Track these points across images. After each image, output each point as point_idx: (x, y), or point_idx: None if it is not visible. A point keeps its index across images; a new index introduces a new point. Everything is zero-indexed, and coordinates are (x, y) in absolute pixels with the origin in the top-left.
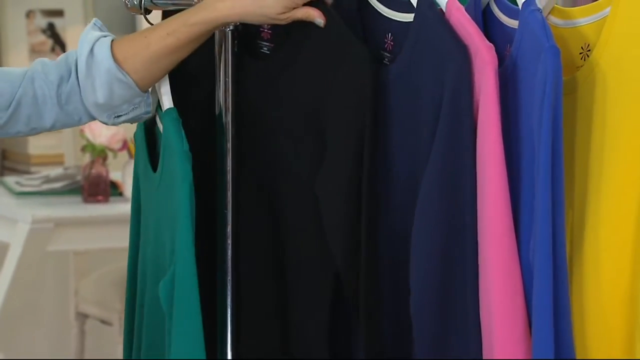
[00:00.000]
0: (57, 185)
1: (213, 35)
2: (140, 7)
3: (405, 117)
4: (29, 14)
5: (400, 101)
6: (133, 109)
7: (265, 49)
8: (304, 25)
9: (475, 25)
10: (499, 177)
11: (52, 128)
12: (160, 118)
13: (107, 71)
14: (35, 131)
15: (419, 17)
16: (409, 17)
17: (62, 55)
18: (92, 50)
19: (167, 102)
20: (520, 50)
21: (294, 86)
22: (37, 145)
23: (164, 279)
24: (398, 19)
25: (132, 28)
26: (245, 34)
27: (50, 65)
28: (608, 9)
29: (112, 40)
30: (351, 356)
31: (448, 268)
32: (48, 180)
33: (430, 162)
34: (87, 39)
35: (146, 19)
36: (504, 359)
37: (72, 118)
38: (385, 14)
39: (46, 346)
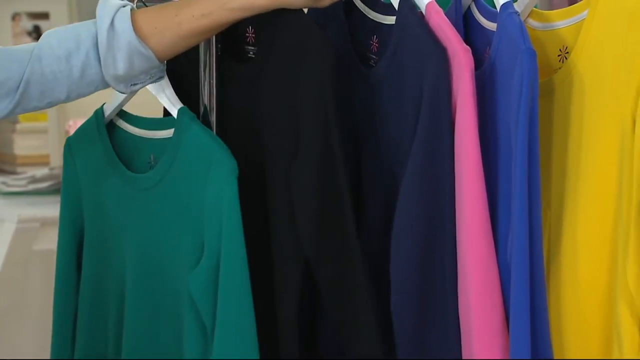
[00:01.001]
0: (43, 185)
1: None
2: None
3: (388, 117)
4: (15, 17)
5: (384, 101)
6: (149, 77)
7: (250, 52)
8: (281, 27)
9: (454, 29)
10: (475, 178)
11: (68, 99)
12: (123, 119)
13: (128, 44)
14: (51, 105)
15: (400, 19)
16: (393, 20)
17: (72, 26)
18: (112, 22)
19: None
20: (498, 52)
21: (272, 86)
22: (23, 146)
23: (194, 273)
24: (383, 22)
25: None
26: (232, 38)
27: (57, 38)
28: (585, 12)
29: (132, 10)
30: (318, 346)
31: (428, 267)
32: (34, 180)
33: (410, 161)
34: (106, 9)
35: None
36: (482, 358)
37: (88, 88)
38: (371, 17)
39: (32, 345)
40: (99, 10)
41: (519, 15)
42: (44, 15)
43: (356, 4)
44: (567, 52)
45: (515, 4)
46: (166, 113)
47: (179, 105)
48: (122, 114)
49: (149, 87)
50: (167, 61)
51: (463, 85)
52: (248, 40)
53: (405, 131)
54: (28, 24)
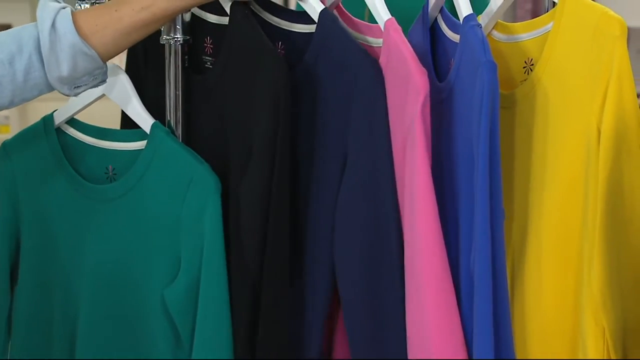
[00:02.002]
0: None
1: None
2: None
3: (312, 126)
4: None
5: (308, 109)
6: (93, 79)
7: (208, 63)
8: (233, 38)
9: (411, 49)
10: (427, 199)
11: (12, 104)
12: (73, 127)
13: (72, 45)
14: None
15: (322, 29)
16: (305, 28)
17: (13, 30)
18: (54, 24)
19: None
20: (461, 64)
21: (227, 97)
22: None
23: (171, 288)
24: (293, 30)
25: None
26: (191, 49)
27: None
28: (550, 25)
29: (72, 12)
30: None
31: (376, 278)
32: None
33: (349, 170)
34: (46, 11)
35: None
36: None
37: (32, 92)
38: (276, 24)
39: None
40: (39, 13)
41: (480, 27)
42: (6, 27)
43: (255, 9)
44: (532, 64)
45: (480, 16)
46: (125, 125)
47: (150, 118)
48: (73, 122)
49: (115, 98)
50: (129, 71)
51: (415, 108)
52: (206, 50)
53: (330, 140)
54: None
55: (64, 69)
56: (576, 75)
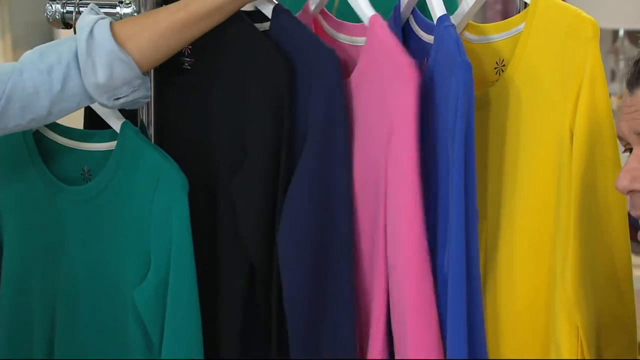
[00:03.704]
0: None
1: None
2: (63, 21)
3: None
4: None
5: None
6: (133, 91)
7: (186, 64)
8: (221, 37)
9: (398, 42)
10: (413, 195)
11: (51, 115)
12: (51, 129)
13: (108, 52)
14: (35, 122)
15: (277, 25)
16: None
17: (54, 42)
18: (91, 32)
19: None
20: (436, 65)
21: (215, 97)
22: None
23: (140, 288)
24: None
25: (49, 42)
26: None
27: (39, 53)
28: (522, 25)
29: (111, 22)
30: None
31: (321, 271)
32: None
33: (301, 164)
34: (85, 22)
35: (75, 32)
36: None
37: (71, 103)
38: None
39: None
40: (78, 23)
41: (454, 28)
42: None
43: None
44: (504, 65)
45: (452, 17)
46: (88, 125)
47: (121, 118)
48: (50, 124)
49: None
50: None
51: (407, 100)
52: (184, 51)
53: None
54: None
55: (101, 76)
56: (548, 76)
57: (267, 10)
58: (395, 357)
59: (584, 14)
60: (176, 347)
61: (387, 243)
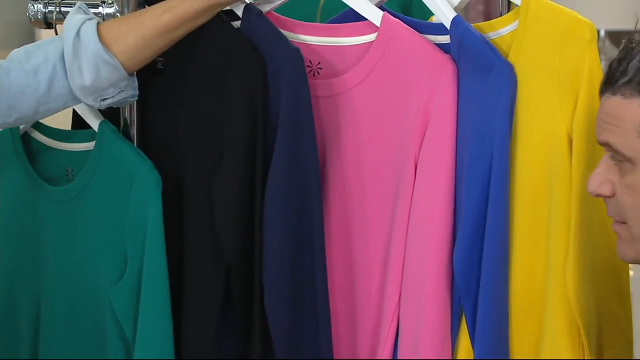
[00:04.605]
0: None
1: None
2: (45, 21)
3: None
4: None
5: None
6: (119, 92)
7: (159, 64)
8: (200, 36)
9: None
10: (448, 187)
11: (37, 114)
12: (38, 131)
13: (94, 53)
14: (21, 121)
15: (247, 24)
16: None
17: (40, 42)
18: (78, 33)
19: (95, 115)
20: (458, 65)
21: (191, 96)
22: None
23: (116, 287)
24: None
25: (31, 42)
26: None
27: (25, 53)
28: (511, 26)
29: (98, 23)
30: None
31: (298, 268)
32: None
33: (274, 162)
34: (72, 22)
35: (56, 32)
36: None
37: (57, 102)
38: None
39: None
40: (65, 23)
41: (475, 29)
42: None
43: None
44: None
45: (432, 18)
46: (76, 123)
47: (100, 117)
48: (37, 125)
49: None
50: None
51: (448, 94)
52: None
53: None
54: None
55: (87, 78)
56: (543, 77)
57: (239, 10)
58: (399, 353)
59: (581, 17)
60: (147, 346)
61: (410, 235)
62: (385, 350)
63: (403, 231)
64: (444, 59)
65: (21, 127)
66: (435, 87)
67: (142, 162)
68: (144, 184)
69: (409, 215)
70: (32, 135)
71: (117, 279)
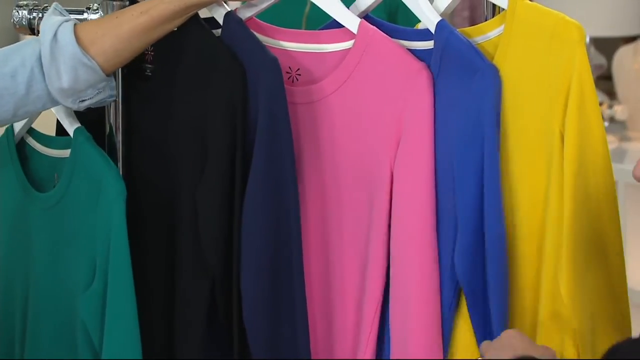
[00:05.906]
0: None
1: None
2: (29, 27)
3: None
4: None
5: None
6: (97, 93)
7: (148, 71)
8: (182, 44)
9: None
10: (427, 193)
11: (15, 117)
12: (33, 137)
13: (72, 56)
14: (0, 123)
15: (227, 32)
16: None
17: (17, 44)
18: (55, 35)
19: (71, 122)
20: (441, 70)
21: (175, 104)
22: None
23: (85, 295)
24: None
25: None
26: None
27: (3, 56)
28: (498, 29)
29: (75, 24)
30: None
31: (276, 272)
32: None
33: (253, 167)
34: (49, 24)
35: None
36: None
37: (35, 105)
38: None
39: None
40: (42, 25)
41: (460, 33)
42: None
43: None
44: None
45: (418, 25)
46: (60, 131)
47: (77, 124)
48: (31, 132)
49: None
50: None
51: (423, 102)
52: (146, 58)
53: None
54: None
55: (65, 81)
56: (531, 79)
57: (220, 17)
58: (391, 354)
59: (569, 18)
60: (113, 355)
61: (393, 240)
62: (367, 354)
63: (381, 235)
64: (419, 67)
65: (17, 132)
66: (409, 94)
67: (108, 170)
68: (109, 193)
69: (386, 219)
70: (27, 141)
71: (87, 287)
